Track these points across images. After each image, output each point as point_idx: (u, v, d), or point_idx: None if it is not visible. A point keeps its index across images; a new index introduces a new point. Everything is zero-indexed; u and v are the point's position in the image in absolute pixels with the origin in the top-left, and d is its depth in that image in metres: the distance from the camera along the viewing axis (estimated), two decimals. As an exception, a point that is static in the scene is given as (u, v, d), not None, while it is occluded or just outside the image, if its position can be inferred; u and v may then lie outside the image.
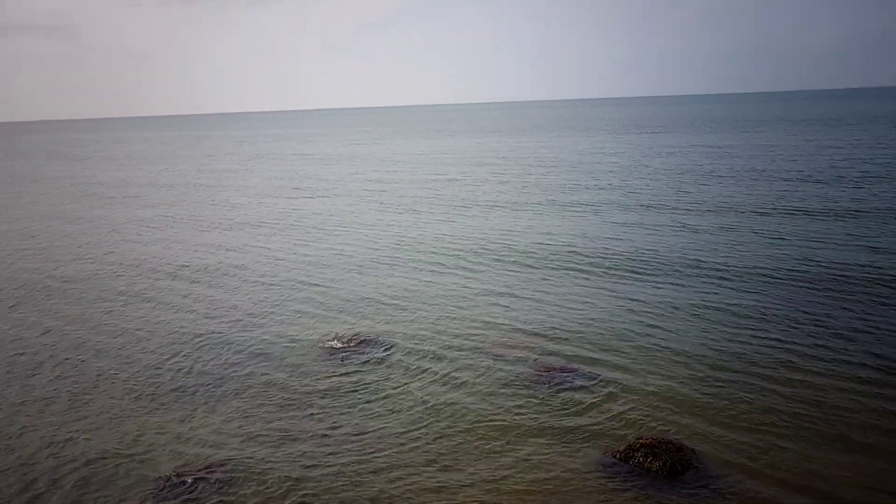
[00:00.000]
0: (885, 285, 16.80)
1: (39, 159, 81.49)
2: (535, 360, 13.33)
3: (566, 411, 11.19)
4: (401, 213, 31.14)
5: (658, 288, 17.49)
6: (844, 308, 15.38)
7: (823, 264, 18.97)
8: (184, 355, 14.41)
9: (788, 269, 18.60)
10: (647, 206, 29.78)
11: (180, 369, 13.66)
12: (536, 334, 14.67)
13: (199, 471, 9.84)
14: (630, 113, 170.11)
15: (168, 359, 14.24)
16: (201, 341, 15.22)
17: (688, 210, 28.43)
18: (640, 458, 9.54)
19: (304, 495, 9.22)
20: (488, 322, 15.53)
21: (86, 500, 9.33)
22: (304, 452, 10.28)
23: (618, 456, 9.75)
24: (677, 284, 17.73)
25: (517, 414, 11.17)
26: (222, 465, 9.98)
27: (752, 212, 27.26)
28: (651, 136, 78.43)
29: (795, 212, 26.78)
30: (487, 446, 10.23)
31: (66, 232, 30.03)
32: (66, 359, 14.52)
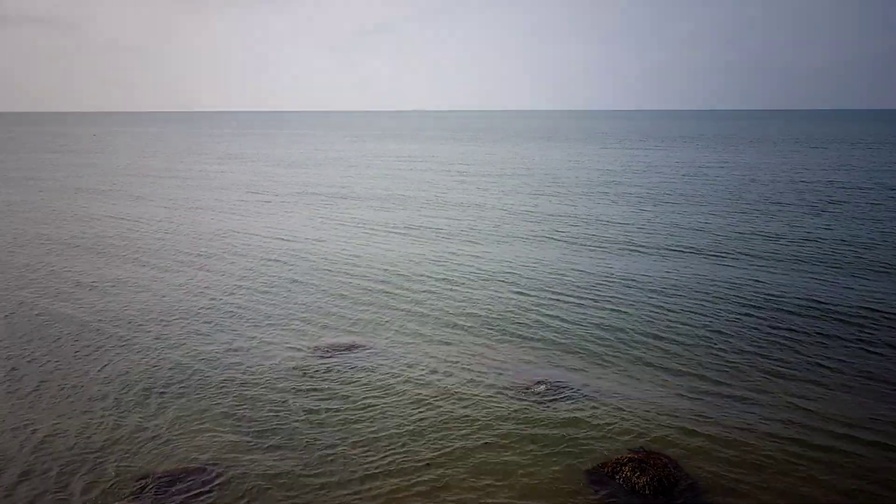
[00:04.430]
0: (881, 311, 16.77)
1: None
2: (521, 372, 13.17)
3: (552, 424, 11.02)
4: (386, 224, 30.95)
5: (649, 303, 17.38)
6: (838, 323, 15.34)
7: (820, 282, 18.94)
8: (158, 358, 14.18)
9: (781, 287, 18.55)
10: (639, 223, 29.75)
11: (154, 373, 13.43)
12: (522, 346, 14.52)
13: (175, 473, 9.63)
14: (635, 126, 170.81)
15: (140, 360, 14.00)
16: (176, 343, 15.00)
17: (682, 228, 28.42)
18: (628, 473, 9.38)
19: (281, 497, 9.03)
20: (475, 333, 15.37)
21: (60, 500, 9.10)
22: (284, 459, 10.07)
23: (605, 470, 9.59)
24: (668, 299, 17.63)
25: (502, 426, 10.99)
26: (199, 469, 9.77)
27: (746, 233, 27.27)
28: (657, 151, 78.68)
29: (788, 235, 26.80)
30: (472, 459, 10.04)
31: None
32: (41, 356, 14.28)
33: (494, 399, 11.94)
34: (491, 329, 15.45)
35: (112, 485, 9.38)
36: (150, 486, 9.29)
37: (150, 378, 12.91)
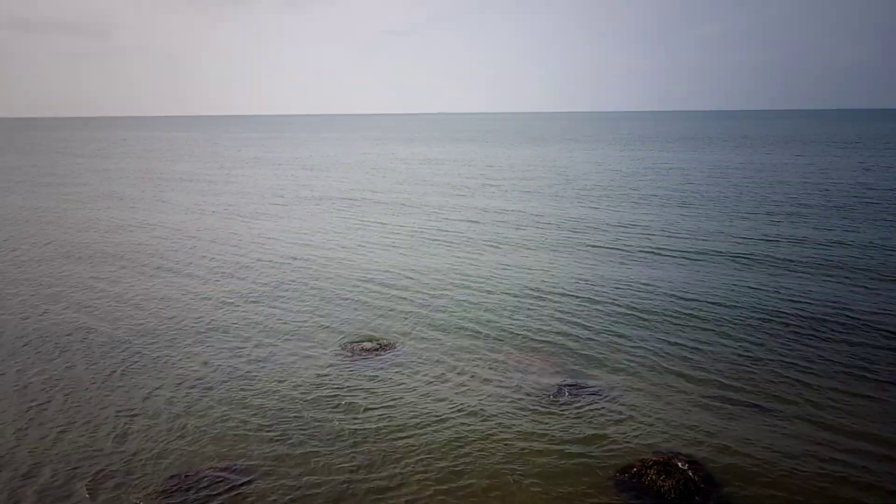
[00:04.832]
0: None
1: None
2: (548, 373, 13.16)
3: (578, 426, 11.01)
4: (408, 229, 31.06)
5: (672, 309, 17.27)
6: (868, 330, 15.12)
7: (848, 288, 18.69)
8: (181, 363, 14.39)
9: (807, 293, 18.33)
10: (662, 226, 29.55)
11: (176, 377, 13.63)
12: (544, 352, 14.51)
13: (205, 470, 9.78)
14: (668, 128, 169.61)
15: (161, 366, 14.23)
16: (196, 344, 15.20)
17: (707, 233, 28.18)
18: (653, 477, 9.35)
19: (307, 499, 9.13)
20: (497, 339, 15.37)
21: (91, 497, 9.29)
22: (309, 457, 10.18)
23: (630, 473, 9.57)
24: (692, 306, 17.51)
25: (529, 428, 11.00)
26: (230, 466, 9.91)
27: (771, 237, 26.98)
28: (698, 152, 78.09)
29: (812, 239, 26.46)
30: (497, 460, 10.07)
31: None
32: (65, 352, 14.56)
33: (518, 405, 11.94)
34: (513, 335, 15.44)
35: (142, 482, 9.55)
36: (180, 486, 9.45)
37: (171, 381, 13.12)
